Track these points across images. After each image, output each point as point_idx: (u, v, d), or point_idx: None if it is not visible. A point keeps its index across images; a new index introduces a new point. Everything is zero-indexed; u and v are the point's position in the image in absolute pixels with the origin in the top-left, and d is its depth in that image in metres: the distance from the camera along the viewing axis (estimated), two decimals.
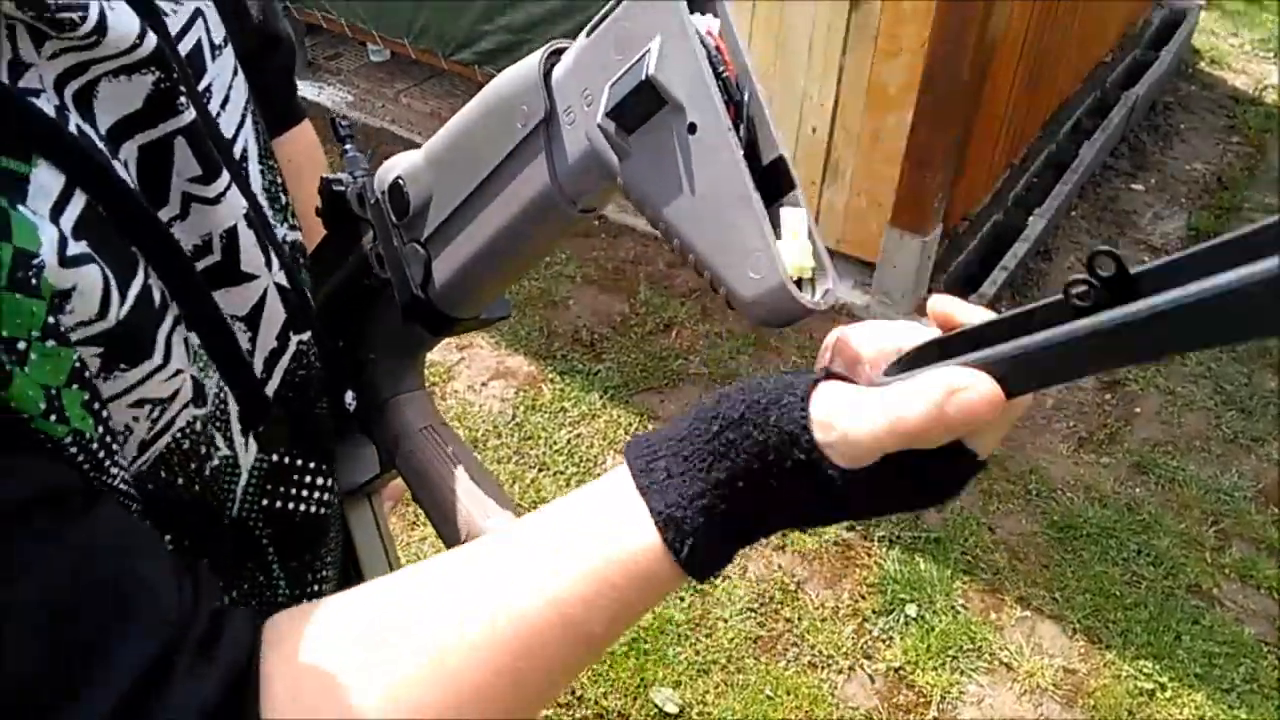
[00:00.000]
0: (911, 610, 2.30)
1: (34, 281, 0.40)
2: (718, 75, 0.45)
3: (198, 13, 0.57)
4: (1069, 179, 3.65)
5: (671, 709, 2.09)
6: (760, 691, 2.13)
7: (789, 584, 2.34)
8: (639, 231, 3.51)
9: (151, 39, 0.48)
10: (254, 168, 0.61)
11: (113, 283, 0.45)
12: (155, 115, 0.50)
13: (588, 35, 0.49)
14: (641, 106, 0.46)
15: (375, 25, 3.91)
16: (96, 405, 0.45)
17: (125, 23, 0.47)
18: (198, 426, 0.54)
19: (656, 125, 0.46)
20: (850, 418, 0.41)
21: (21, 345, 0.40)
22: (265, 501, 0.62)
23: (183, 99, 0.51)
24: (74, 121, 0.46)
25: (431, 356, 2.94)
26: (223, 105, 0.58)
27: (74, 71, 0.46)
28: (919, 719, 2.12)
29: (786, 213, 0.46)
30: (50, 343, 0.41)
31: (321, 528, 0.68)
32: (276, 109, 0.79)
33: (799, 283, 0.45)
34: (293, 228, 0.66)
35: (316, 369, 0.66)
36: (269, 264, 0.59)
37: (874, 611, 2.30)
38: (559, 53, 0.53)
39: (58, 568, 0.40)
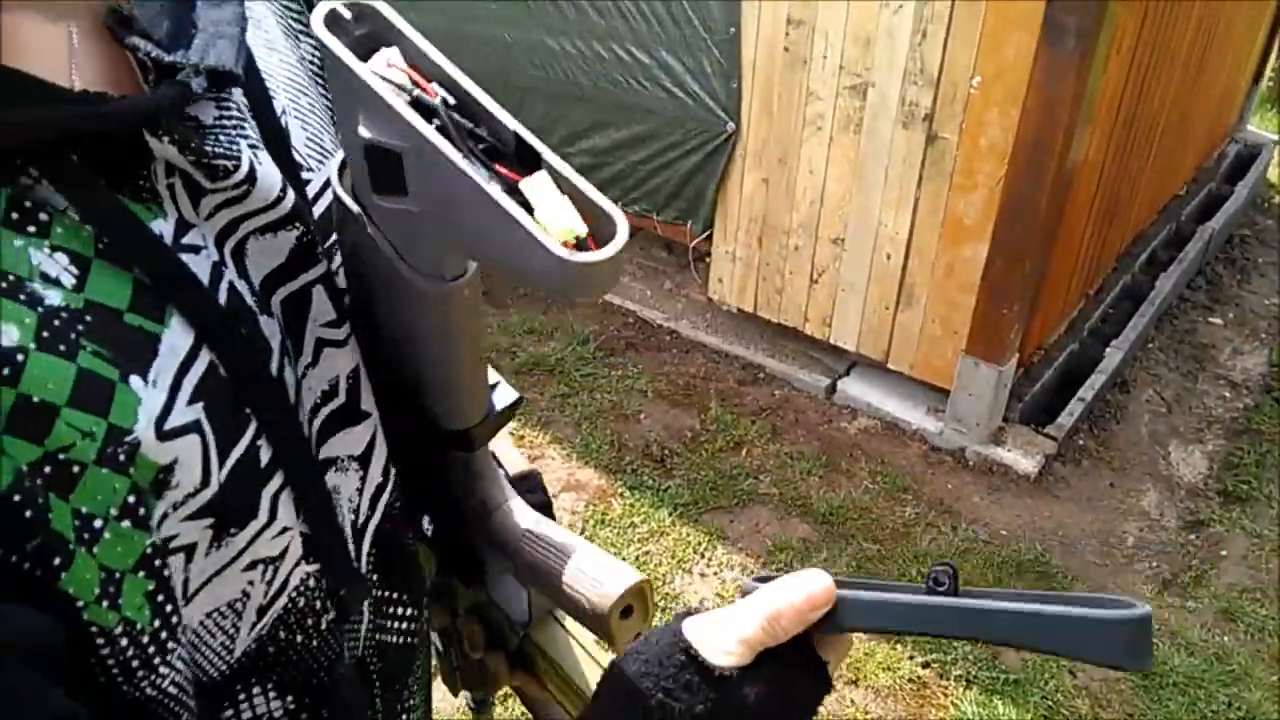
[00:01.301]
0: None
1: (122, 458, 0.40)
2: (412, 99, 0.44)
3: (329, 182, 0.57)
4: (1145, 311, 3.62)
5: None
6: None
7: None
8: (710, 348, 3.55)
9: (291, 196, 0.50)
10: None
11: (213, 449, 0.45)
12: (297, 267, 0.52)
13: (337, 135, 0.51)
14: (388, 168, 0.45)
15: None
16: (162, 599, 0.43)
17: (271, 175, 0.49)
18: (311, 583, 0.55)
19: (414, 175, 0.45)
20: (715, 619, 0.52)
21: (98, 523, 0.39)
22: (372, 639, 0.64)
23: (320, 250, 0.53)
24: (229, 278, 0.47)
25: None
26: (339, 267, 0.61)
27: (228, 230, 0.48)
28: None
29: (526, 184, 0.44)
30: (126, 523, 0.40)
31: (412, 657, 0.70)
32: None
33: (581, 245, 0.43)
34: None
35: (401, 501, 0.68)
36: (376, 400, 0.61)
37: None
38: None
39: None
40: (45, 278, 0.39)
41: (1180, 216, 4.27)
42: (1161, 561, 2.78)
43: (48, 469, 0.37)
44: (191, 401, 0.43)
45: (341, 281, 0.57)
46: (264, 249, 0.49)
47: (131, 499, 0.41)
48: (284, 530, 0.51)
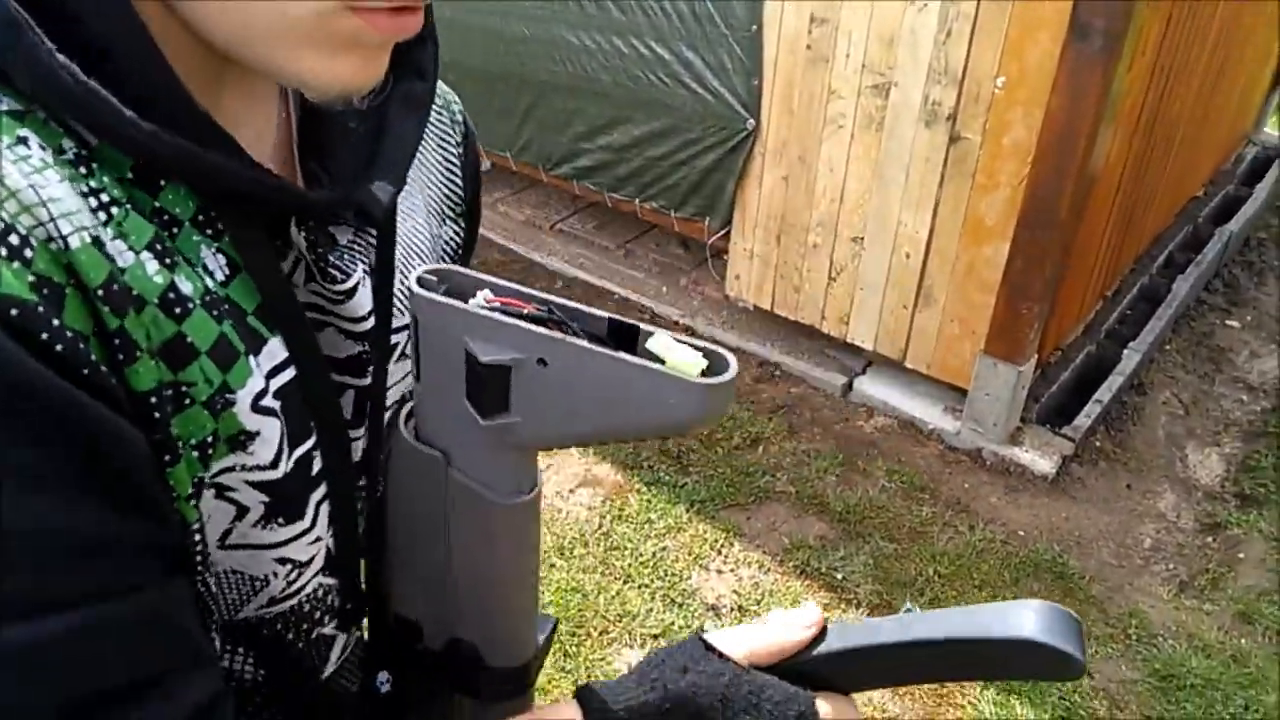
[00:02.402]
0: None
1: (219, 407, 0.48)
2: (522, 316, 0.52)
3: (406, 326, 0.63)
4: (1163, 313, 3.62)
5: None
6: None
7: None
8: (727, 345, 3.54)
9: (372, 323, 0.58)
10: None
11: (286, 440, 0.52)
12: (345, 369, 0.58)
13: (417, 376, 0.56)
14: (496, 385, 0.52)
15: (480, 140, 4.09)
16: (210, 522, 0.51)
17: (365, 301, 0.57)
18: (320, 594, 0.61)
19: (519, 387, 0.52)
20: (726, 632, 0.61)
21: (180, 446, 0.47)
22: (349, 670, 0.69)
23: (372, 368, 0.59)
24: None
25: None
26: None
27: (314, 308, 0.55)
28: None
29: (651, 341, 0.52)
30: (196, 454, 0.48)
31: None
32: None
33: (705, 374, 0.51)
34: None
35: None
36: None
37: None
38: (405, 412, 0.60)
39: (158, 600, 0.45)
40: (205, 268, 0.48)
41: (1198, 219, 4.26)
42: (1178, 563, 2.77)
43: (169, 392, 0.45)
44: (275, 396, 0.52)
45: (380, 398, 0.62)
46: (331, 340, 0.57)
47: (209, 439, 0.48)
48: (317, 540, 0.57)
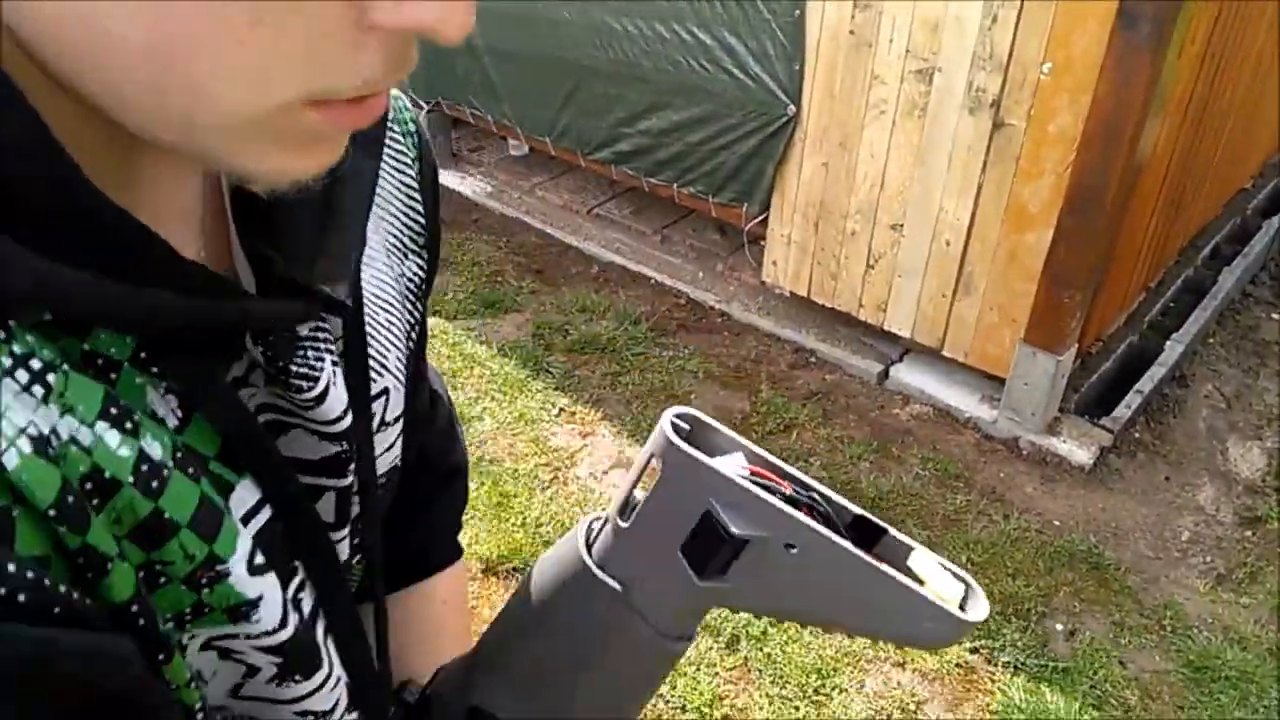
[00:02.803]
0: None
1: (204, 582, 0.42)
2: (780, 495, 0.51)
3: (385, 390, 0.59)
4: (1207, 305, 3.57)
5: None
6: None
7: (908, 703, 2.28)
8: (762, 330, 3.56)
9: (349, 421, 0.50)
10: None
11: (286, 592, 0.47)
12: (323, 471, 0.52)
13: (624, 520, 0.54)
14: (729, 554, 0.51)
15: (519, 124, 4.13)
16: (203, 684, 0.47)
17: (339, 399, 0.49)
18: None
19: (749, 557, 0.51)
20: None
21: (173, 639, 0.42)
22: None
23: (352, 466, 0.53)
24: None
25: (556, 442, 3.02)
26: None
27: (278, 409, 0.49)
28: None
29: (915, 561, 0.52)
30: (172, 624, 0.43)
31: None
32: (437, 547, 0.80)
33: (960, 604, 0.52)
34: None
35: None
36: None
37: None
38: (589, 534, 0.58)
39: None
40: (154, 416, 0.40)
41: (1245, 210, 4.19)
42: (1216, 557, 2.75)
43: (141, 574, 0.39)
44: (257, 547, 0.45)
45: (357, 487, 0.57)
46: (302, 442, 0.50)
47: (187, 612, 0.43)
48: (338, 681, 0.53)
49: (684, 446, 0.50)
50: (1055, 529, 2.78)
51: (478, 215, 4.34)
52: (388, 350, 0.59)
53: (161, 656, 0.39)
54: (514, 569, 2.54)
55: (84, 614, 0.34)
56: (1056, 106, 2.63)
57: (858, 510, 0.53)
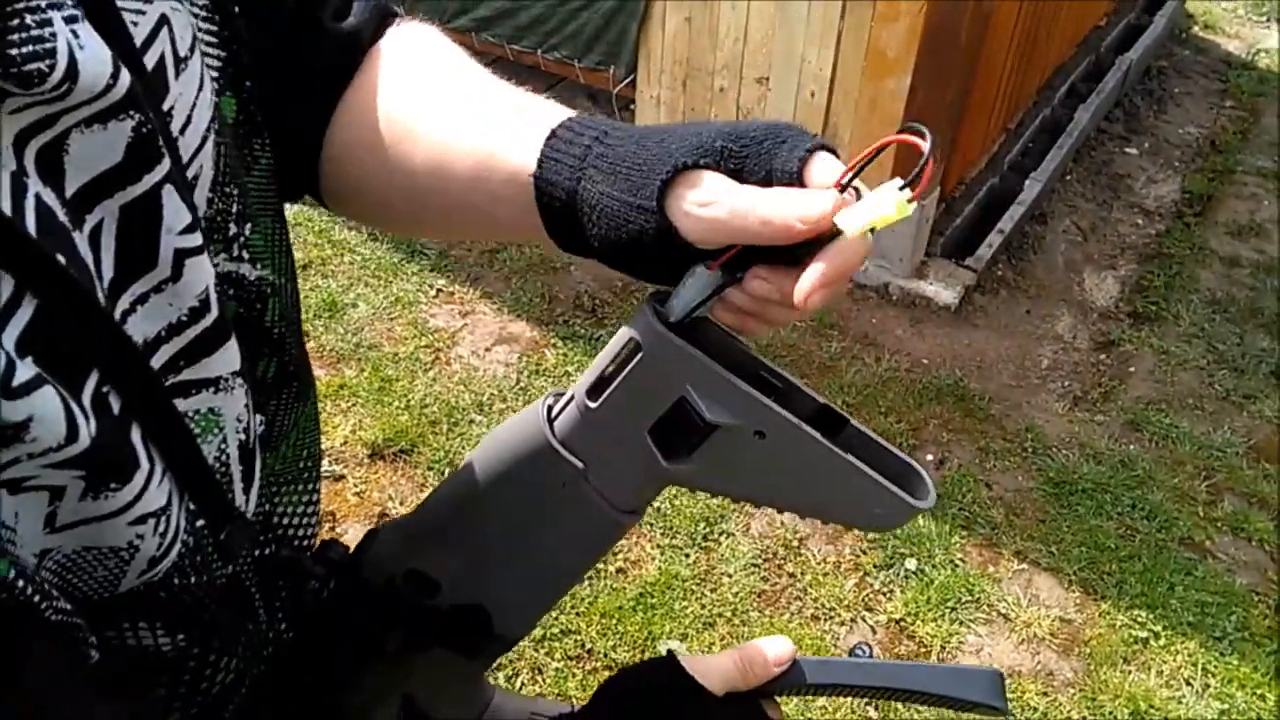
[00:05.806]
0: (911, 564, 2.35)
1: None
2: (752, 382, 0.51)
3: (163, 19, 0.46)
4: (1064, 143, 3.68)
5: None
6: None
7: (791, 540, 2.39)
8: None
9: (126, 78, 0.40)
10: (202, 195, 0.50)
11: (73, 403, 0.39)
12: (139, 166, 0.43)
13: (593, 401, 0.54)
14: (698, 439, 0.52)
15: None
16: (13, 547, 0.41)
17: (96, 59, 0.39)
18: (199, 523, 0.51)
19: (717, 442, 0.52)
20: (701, 658, 0.62)
21: None
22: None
23: (161, 141, 0.44)
24: (34, 190, 0.39)
25: (436, 323, 2.98)
26: (182, 130, 0.48)
27: (40, 126, 0.39)
28: None
29: (871, 448, 0.54)
30: None
31: (301, 562, 0.65)
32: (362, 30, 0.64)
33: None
34: (234, 259, 0.55)
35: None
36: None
37: (874, 566, 2.35)
38: (550, 408, 0.58)
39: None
40: None
41: (1099, 48, 4.29)
42: (1073, 380, 2.92)
43: None
44: (22, 356, 0.37)
45: (194, 172, 0.48)
46: (91, 145, 0.40)
47: None
48: (165, 473, 0.46)
49: (669, 335, 0.50)
50: (924, 367, 2.90)
51: None
52: None
53: None
54: (400, 451, 2.53)
55: None
56: None
57: (822, 400, 0.54)
